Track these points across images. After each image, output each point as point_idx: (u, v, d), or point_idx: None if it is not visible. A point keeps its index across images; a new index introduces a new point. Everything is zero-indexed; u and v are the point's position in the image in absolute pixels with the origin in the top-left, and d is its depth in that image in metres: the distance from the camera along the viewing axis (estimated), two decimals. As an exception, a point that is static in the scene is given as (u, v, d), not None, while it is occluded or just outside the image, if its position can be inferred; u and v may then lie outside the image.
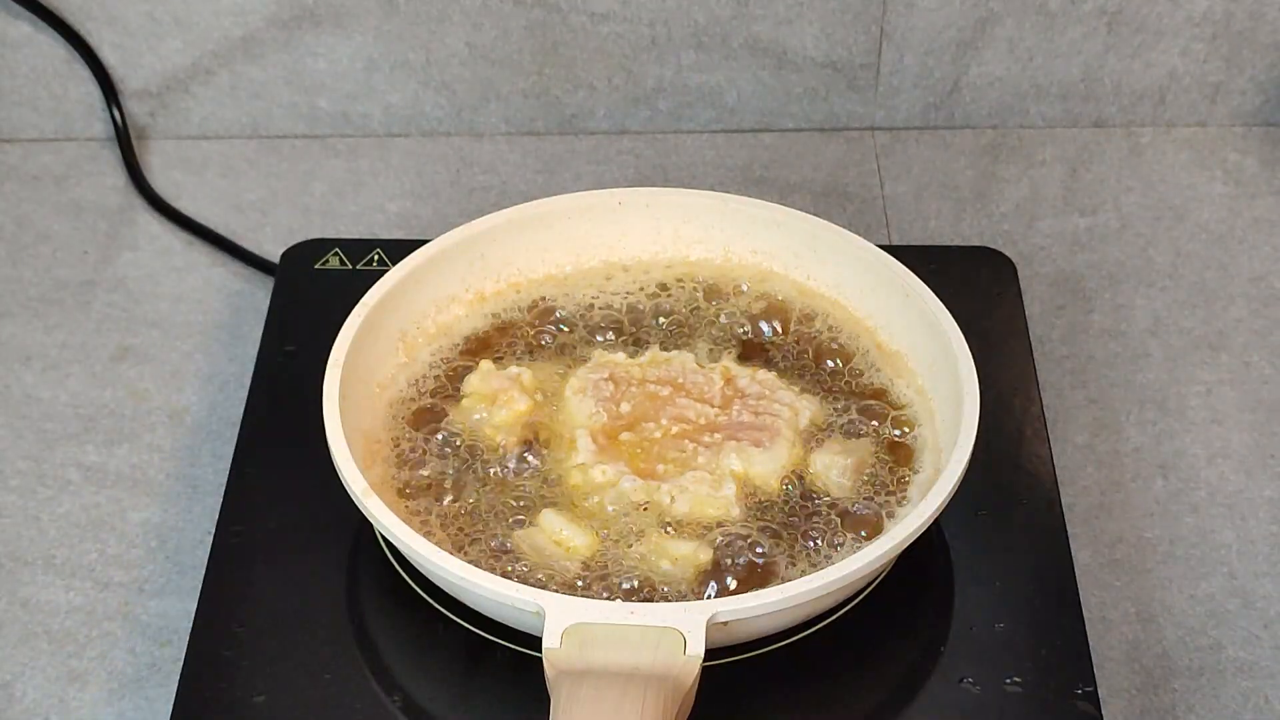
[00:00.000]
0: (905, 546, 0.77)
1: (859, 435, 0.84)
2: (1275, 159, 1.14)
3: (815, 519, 0.81)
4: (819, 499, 0.82)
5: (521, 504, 0.82)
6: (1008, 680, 0.78)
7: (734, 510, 0.81)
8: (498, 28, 1.12)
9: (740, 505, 0.81)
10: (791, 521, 0.81)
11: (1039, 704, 0.77)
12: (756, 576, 0.78)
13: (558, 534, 0.80)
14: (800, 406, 0.85)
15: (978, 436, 0.80)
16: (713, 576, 0.78)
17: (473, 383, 0.87)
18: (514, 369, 0.87)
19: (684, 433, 0.83)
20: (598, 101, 1.15)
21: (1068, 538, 0.84)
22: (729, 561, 0.79)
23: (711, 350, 0.89)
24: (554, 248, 0.92)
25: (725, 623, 0.74)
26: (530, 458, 0.84)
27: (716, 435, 0.83)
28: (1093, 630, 0.84)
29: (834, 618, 0.80)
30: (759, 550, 0.80)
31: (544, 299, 0.91)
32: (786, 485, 0.82)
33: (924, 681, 0.79)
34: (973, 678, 0.78)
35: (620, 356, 0.88)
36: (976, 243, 1.05)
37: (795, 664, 0.79)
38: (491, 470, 0.83)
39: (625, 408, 0.85)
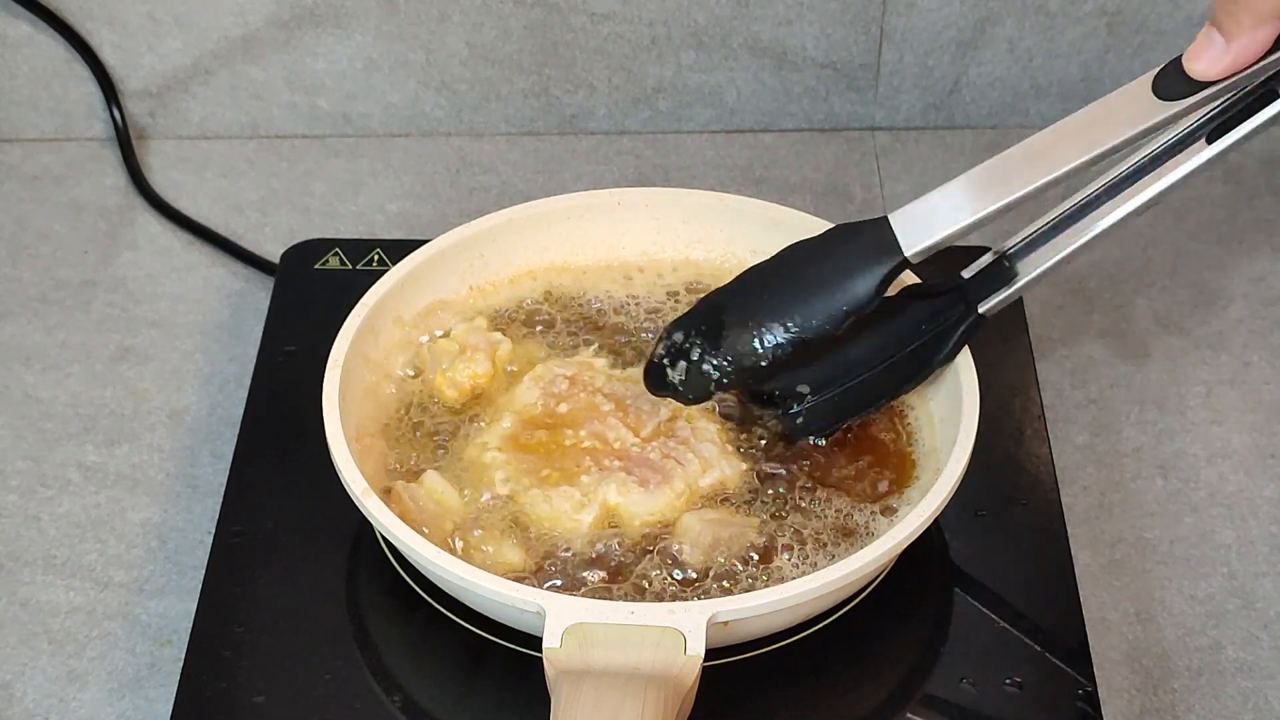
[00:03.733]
0: (905, 546, 0.77)
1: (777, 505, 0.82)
2: (1275, 159, 1.14)
3: (643, 568, 0.79)
4: (658, 553, 0.80)
5: (419, 456, 0.84)
6: (1008, 680, 0.78)
7: (579, 539, 0.80)
8: (498, 28, 1.12)
9: (589, 535, 0.80)
10: (623, 564, 0.79)
11: (1039, 704, 0.77)
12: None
13: (436, 493, 0.81)
14: (716, 465, 0.82)
15: (978, 436, 0.80)
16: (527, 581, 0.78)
17: (459, 329, 0.88)
18: (498, 335, 0.88)
19: (592, 450, 0.83)
20: (598, 101, 1.15)
21: (1068, 538, 0.84)
22: (550, 571, 0.79)
23: None
24: (554, 248, 0.92)
25: (725, 623, 0.74)
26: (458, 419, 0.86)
27: (616, 463, 0.82)
28: (1093, 630, 0.84)
29: (834, 618, 0.80)
30: (578, 576, 0.79)
31: (566, 293, 0.92)
32: (648, 532, 0.80)
33: (924, 681, 0.79)
34: (973, 678, 0.78)
35: (601, 363, 0.87)
36: (977, 243, 1.05)
37: (795, 664, 0.79)
38: (422, 419, 0.85)
39: (563, 408, 0.84)
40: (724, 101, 1.15)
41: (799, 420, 0.83)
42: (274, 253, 1.03)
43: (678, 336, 0.81)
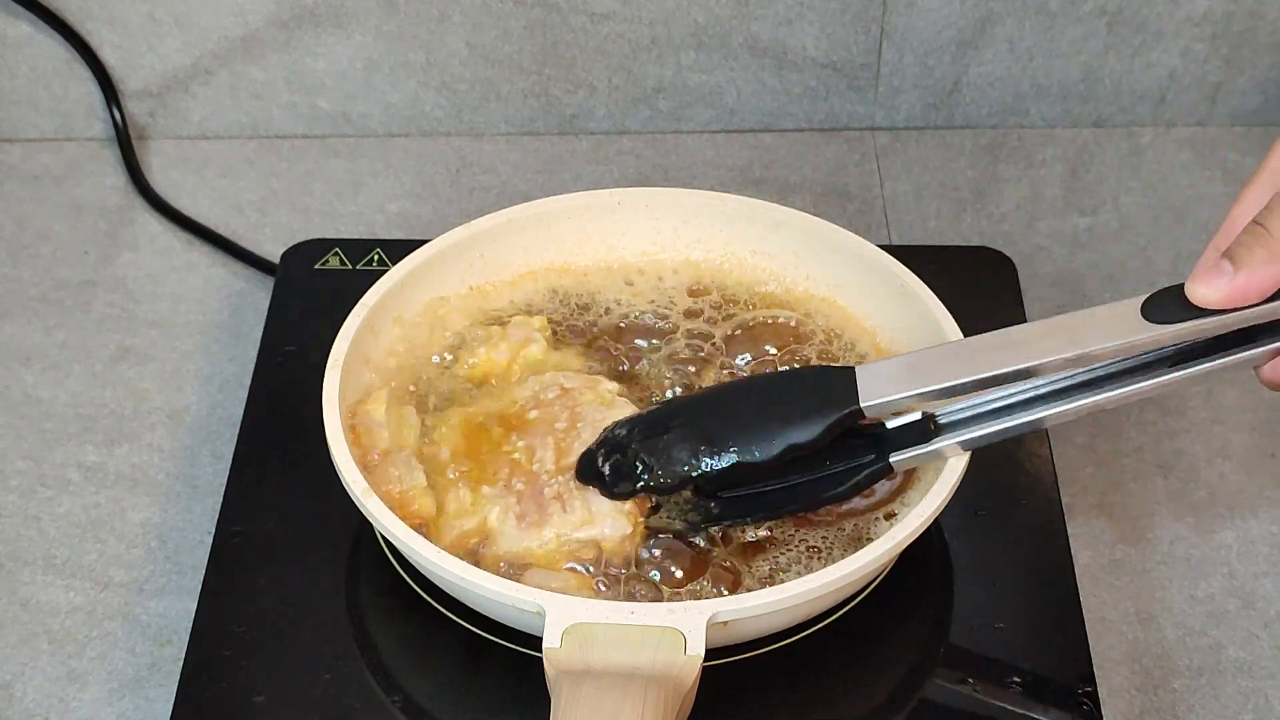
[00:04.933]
0: (905, 546, 0.77)
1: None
2: (1275, 159, 1.14)
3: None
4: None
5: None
6: (1008, 680, 0.78)
7: (448, 538, 0.80)
8: (498, 28, 1.12)
9: (456, 539, 0.80)
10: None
11: (1039, 704, 0.78)
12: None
13: (406, 421, 0.83)
14: (599, 523, 0.80)
15: (978, 436, 0.80)
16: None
17: (516, 319, 0.88)
18: (538, 336, 0.88)
19: (514, 463, 0.82)
20: (598, 101, 1.15)
21: (1068, 538, 0.84)
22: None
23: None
24: (554, 248, 0.92)
25: (725, 623, 0.74)
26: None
27: (519, 485, 0.81)
28: (1093, 630, 0.84)
29: (834, 618, 0.80)
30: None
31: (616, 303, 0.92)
32: (502, 564, 0.79)
33: (924, 681, 0.79)
34: (973, 678, 0.78)
35: (610, 387, 0.85)
36: (976, 243, 1.05)
37: (795, 664, 0.79)
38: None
39: (532, 414, 0.84)
40: (724, 101, 1.15)
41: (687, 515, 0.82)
42: (274, 253, 1.03)
43: (620, 432, 0.80)
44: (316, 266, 0.98)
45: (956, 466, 0.78)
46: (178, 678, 0.79)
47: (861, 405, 0.77)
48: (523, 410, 0.84)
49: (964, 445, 0.78)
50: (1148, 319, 0.73)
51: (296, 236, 1.06)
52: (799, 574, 0.78)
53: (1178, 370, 0.75)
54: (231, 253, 1.07)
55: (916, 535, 0.77)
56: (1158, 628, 0.87)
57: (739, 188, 1.11)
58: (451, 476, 0.82)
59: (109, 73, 1.13)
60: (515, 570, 0.79)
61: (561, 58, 1.13)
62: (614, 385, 0.85)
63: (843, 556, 0.77)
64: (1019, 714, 0.77)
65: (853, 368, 0.78)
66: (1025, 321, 0.94)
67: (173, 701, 0.78)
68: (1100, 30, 1.12)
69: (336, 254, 0.99)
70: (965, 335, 0.84)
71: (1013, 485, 0.86)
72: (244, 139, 1.16)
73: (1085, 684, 0.78)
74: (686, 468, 0.78)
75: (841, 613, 0.80)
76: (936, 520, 0.78)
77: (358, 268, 0.98)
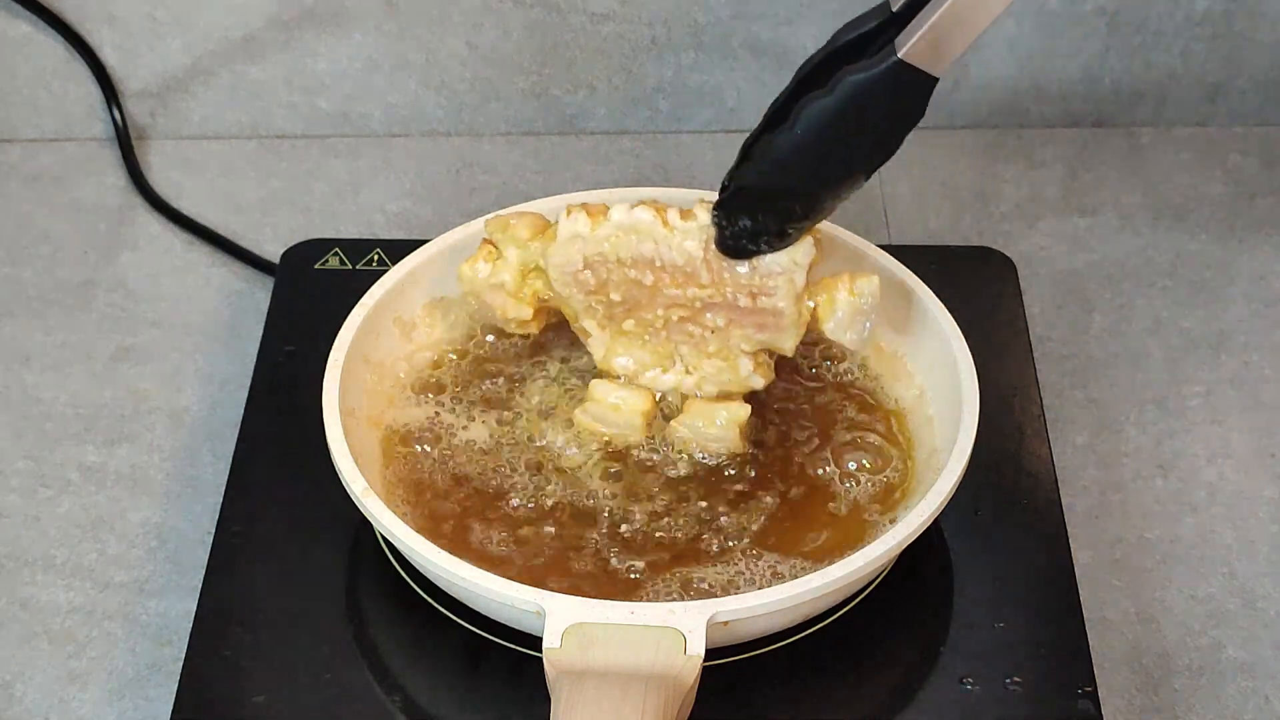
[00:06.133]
0: (905, 546, 0.77)
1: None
2: (1275, 159, 1.14)
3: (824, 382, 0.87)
4: (833, 363, 0.87)
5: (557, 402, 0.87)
6: (1008, 680, 0.78)
7: (755, 381, 0.83)
8: (498, 28, 1.12)
9: (761, 375, 0.83)
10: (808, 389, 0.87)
11: (1039, 704, 0.77)
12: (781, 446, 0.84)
13: (612, 398, 0.84)
14: (793, 267, 0.81)
15: (978, 436, 0.80)
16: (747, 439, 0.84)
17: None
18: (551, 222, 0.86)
19: (684, 318, 0.83)
20: (598, 101, 1.15)
21: (1068, 538, 0.84)
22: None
23: None
24: (554, 248, 0.92)
25: (725, 623, 0.74)
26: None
27: (719, 320, 0.82)
28: (1093, 630, 0.84)
29: (834, 618, 0.80)
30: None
31: None
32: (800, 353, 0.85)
33: (924, 681, 0.79)
34: (973, 678, 0.78)
35: (582, 225, 0.82)
36: (976, 243, 1.05)
37: (795, 664, 0.79)
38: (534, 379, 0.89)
39: (615, 296, 0.83)
40: (724, 101, 1.15)
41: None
42: (274, 253, 1.03)
43: (745, 223, 0.80)
44: (316, 266, 0.98)
45: (956, 470, 0.78)
46: (178, 678, 0.79)
47: (938, 76, 0.76)
48: (608, 303, 0.84)
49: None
50: None
51: (296, 236, 1.06)
52: (799, 574, 0.78)
53: None
54: (231, 253, 1.07)
55: (916, 535, 0.77)
56: (1158, 628, 0.87)
57: (739, 188, 1.11)
58: (692, 382, 0.84)
59: (109, 73, 1.13)
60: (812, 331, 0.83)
61: (561, 58, 1.13)
62: (580, 219, 0.83)
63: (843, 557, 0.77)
64: (1019, 714, 0.77)
65: (897, 60, 0.75)
66: (1025, 323, 0.95)
67: (173, 701, 0.78)
68: (1100, 30, 1.12)
69: (336, 254, 0.99)
70: (965, 335, 0.84)
71: (1013, 485, 0.86)
72: (244, 139, 1.16)
73: (1085, 684, 0.78)
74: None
75: (841, 613, 0.80)
76: (936, 520, 0.78)
77: (358, 268, 0.98)
